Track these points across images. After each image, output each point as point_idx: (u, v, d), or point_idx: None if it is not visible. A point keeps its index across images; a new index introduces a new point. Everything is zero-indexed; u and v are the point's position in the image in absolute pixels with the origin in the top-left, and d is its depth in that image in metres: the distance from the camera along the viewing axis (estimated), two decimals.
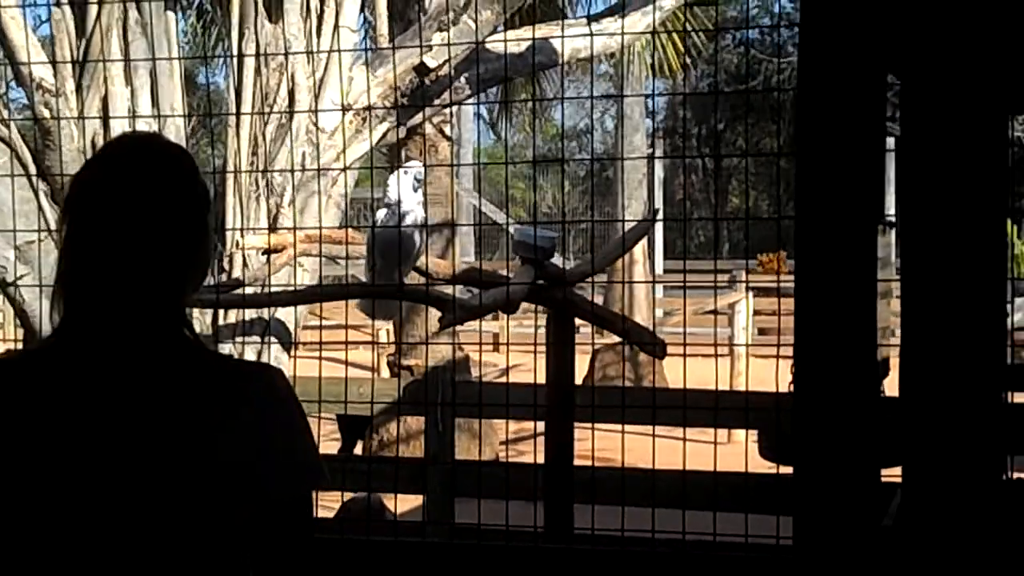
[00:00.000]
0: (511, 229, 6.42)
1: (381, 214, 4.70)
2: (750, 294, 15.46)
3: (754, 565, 2.88)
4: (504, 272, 4.79)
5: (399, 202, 4.60)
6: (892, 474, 2.93)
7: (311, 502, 1.94)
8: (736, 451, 4.24)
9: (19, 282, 5.21)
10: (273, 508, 1.87)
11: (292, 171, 5.40)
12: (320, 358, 5.50)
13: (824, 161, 2.86)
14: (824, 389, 2.84)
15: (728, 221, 33.25)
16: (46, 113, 5.25)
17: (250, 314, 5.38)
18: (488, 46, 5.70)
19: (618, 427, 4.89)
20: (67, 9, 5.30)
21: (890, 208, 3.16)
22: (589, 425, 4.98)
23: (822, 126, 2.85)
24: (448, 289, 5.08)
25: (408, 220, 4.56)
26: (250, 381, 1.91)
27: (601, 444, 4.76)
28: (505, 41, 5.72)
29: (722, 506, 3.36)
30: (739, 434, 10.18)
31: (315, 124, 5.54)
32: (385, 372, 13.48)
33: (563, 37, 5.88)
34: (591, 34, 5.90)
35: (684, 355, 3.53)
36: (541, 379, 4.72)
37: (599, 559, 3.03)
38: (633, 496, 3.83)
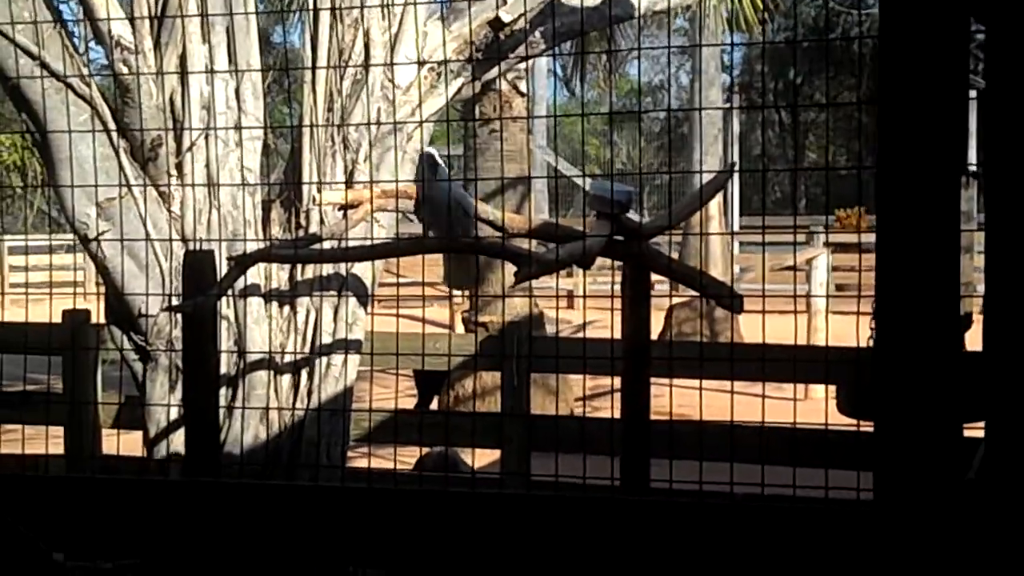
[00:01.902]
0: (586, 183, 6.39)
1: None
2: (828, 250, 15.29)
3: (835, 519, 2.86)
4: (580, 228, 4.77)
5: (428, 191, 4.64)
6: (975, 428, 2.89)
7: None
8: (813, 407, 4.20)
9: (100, 239, 5.28)
10: None
11: (368, 125, 5.41)
12: (397, 315, 5.55)
13: (906, 112, 2.80)
14: (906, 343, 2.81)
15: (805, 177, 32.88)
16: (125, 70, 5.30)
17: (327, 269, 5.41)
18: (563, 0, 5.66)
19: (692, 383, 4.87)
20: None
21: (972, 161, 3.10)
22: (664, 381, 4.97)
23: (905, 76, 2.79)
24: (523, 244, 5.08)
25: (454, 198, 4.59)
26: None
27: (676, 400, 4.73)
28: None
29: (802, 461, 3.33)
30: (816, 390, 10.13)
31: (390, 80, 5.53)
32: (460, 328, 13.55)
33: None
34: None
35: (763, 310, 3.49)
36: (618, 335, 4.70)
37: (677, 511, 3.02)
38: (711, 451, 3.81)
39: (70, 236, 5.71)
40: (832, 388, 4.57)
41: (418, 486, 4.05)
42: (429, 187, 4.68)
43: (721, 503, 2.96)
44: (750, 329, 12.89)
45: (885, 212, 2.85)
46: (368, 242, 5.20)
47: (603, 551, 3.17)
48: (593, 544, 3.18)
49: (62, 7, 5.51)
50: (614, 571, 3.15)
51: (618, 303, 4.62)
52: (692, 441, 3.92)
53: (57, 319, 6.65)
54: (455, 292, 15.54)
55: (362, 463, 6.88)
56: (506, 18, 5.48)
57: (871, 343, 3.58)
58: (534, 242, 5.35)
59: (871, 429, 2.82)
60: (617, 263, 4.99)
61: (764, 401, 3.48)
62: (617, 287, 4.71)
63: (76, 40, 5.51)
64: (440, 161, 4.86)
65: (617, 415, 5.02)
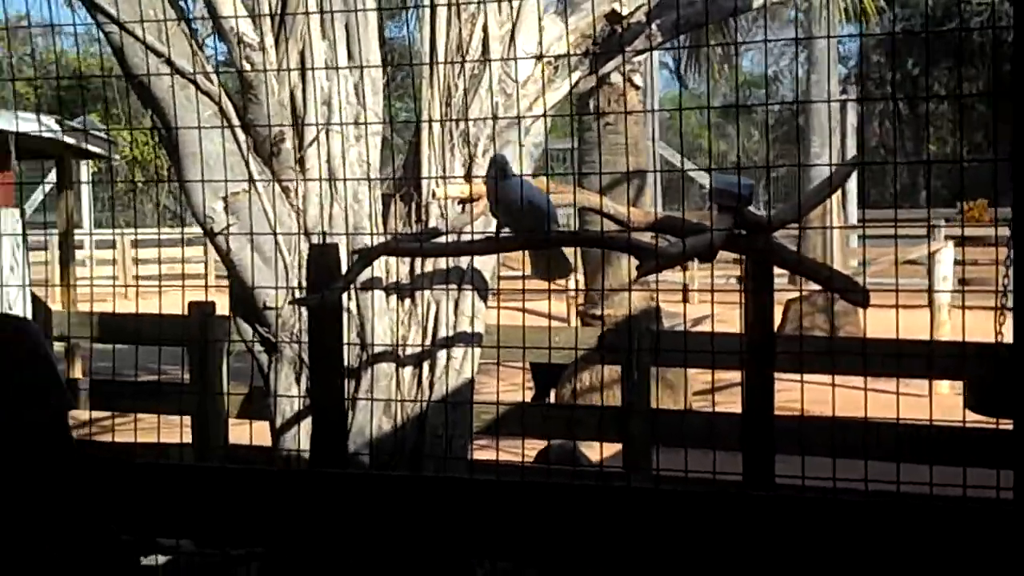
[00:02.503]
0: (698, 175, 6.33)
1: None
2: (952, 243, 14.96)
3: (974, 518, 2.80)
4: (696, 221, 4.72)
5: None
6: None
7: None
8: (936, 403, 4.13)
9: (227, 232, 5.36)
10: None
11: (485, 120, 5.42)
12: (523, 310, 5.56)
13: None
14: None
15: (924, 170, 32.25)
16: (248, 67, 5.37)
17: (448, 263, 5.43)
18: None
19: (813, 378, 4.79)
20: None
21: None
22: (786, 376, 4.90)
23: None
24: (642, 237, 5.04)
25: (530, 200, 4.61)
26: None
27: (790, 396, 4.67)
28: None
29: (937, 458, 3.25)
30: (939, 386, 9.93)
31: (507, 74, 5.54)
32: (575, 322, 13.54)
33: None
34: None
35: (896, 305, 3.43)
36: (733, 329, 4.67)
37: (806, 507, 2.97)
38: (841, 447, 3.74)
39: (191, 230, 5.80)
40: (957, 384, 4.49)
41: (544, 478, 4.06)
42: (502, 191, 4.71)
43: (852, 499, 2.91)
44: (871, 324, 12.70)
45: (1022, 204, 2.78)
46: (487, 236, 5.21)
47: (730, 546, 3.13)
48: (720, 539, 3.15)
49: (184, 4, 5.60)
50: (741, 567, 3.11)
51: (736, 297, 4.58)
52: (819, 438, 3.86)
53: (176, 311, 6.76)
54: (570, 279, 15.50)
55: (481, 455, 6.93)
56: (623, 11, 5.46)
57: (1000, 339, 3.50)
58: (648, 235, 5.32)
59: (1010, 427, 2.75)
60: (730, 256, 4.95)
61: (899, 398, 3.41)
62: (731, 281, 4.67)
63: (200, 37, 5.60)
64: (510, 165, 4.89)
65: (739, 410, 4.98)
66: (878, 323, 4.30)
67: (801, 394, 4.04)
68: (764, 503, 3.12)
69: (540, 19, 5.59)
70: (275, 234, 5.31)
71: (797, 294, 13.69)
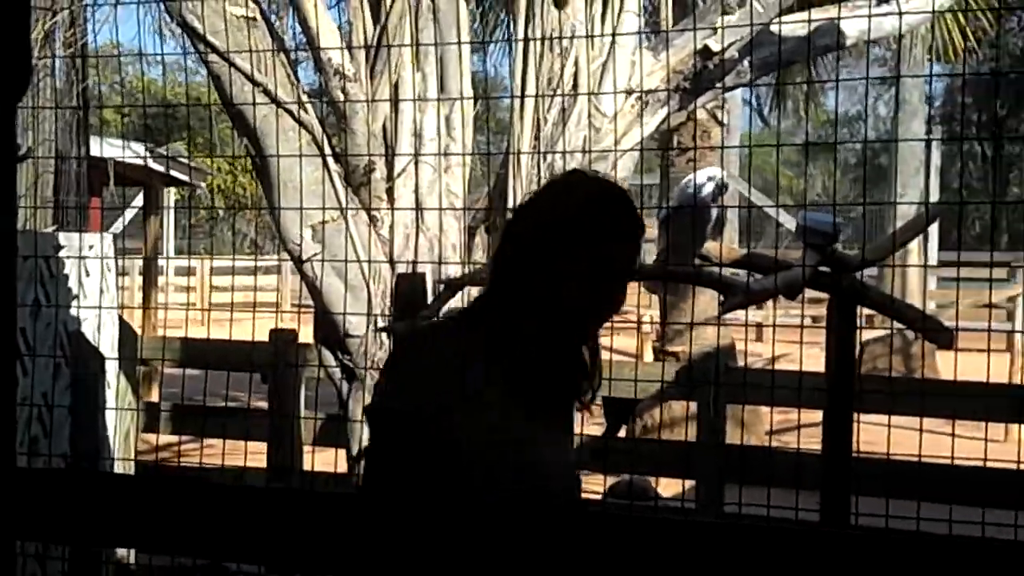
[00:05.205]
0: (781, 214, 6.33)
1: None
2: None
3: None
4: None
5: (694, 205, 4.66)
6: None
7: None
8: (1012, 449, 4.10)
9: (313, 259, 5.43)
10: None
11: (570, 152, 5.46)
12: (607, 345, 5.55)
13: None
14: None
15: (1007, 212, 31.90)
16: (341, 97, 5.46)
17: None
18: (772, 29, 5.62)
19: (883, 419, 4.75)
20: None
21: None
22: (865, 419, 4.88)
23: None
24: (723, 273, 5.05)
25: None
26: None
27: (865, 436, 4.67)
28: (779, 23, 5.60)
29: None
30: (1013, 431, 9.79)
31: (597, 108, 5.57)
32: (649, 357, 13.50)
33: (856, 16, 5.74)
34: (899, 13, 5.76)
35: (988, 348, 3.41)
36: (808, 368, 4.68)
37: (883, 546, 2.95)
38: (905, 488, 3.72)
39: (266, 258, 5.86)
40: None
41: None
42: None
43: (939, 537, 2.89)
44: (948, 367, 12.55)
45: None
46: None
47: None
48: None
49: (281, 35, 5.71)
50: None
51: (811, 336, 4.60)
52: (901, 479, 3.84)
53: (248, 337, 6.81)
54: (644, 314, 15.49)
55: None
56: (715, 47, 5.48)
57: None
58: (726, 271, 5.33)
59: None
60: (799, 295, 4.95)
61: (986, 444, 3.39)
62: (807, 320, 4.68)
63: (294, 66, 5.69)
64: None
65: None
66: (954, 366, 4.29)
67: (888, 437, 4.02)
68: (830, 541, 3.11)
69: (632, 54, 5.63)
70: (359, 262, 5.38)
71: (870, 334, 13.57)
